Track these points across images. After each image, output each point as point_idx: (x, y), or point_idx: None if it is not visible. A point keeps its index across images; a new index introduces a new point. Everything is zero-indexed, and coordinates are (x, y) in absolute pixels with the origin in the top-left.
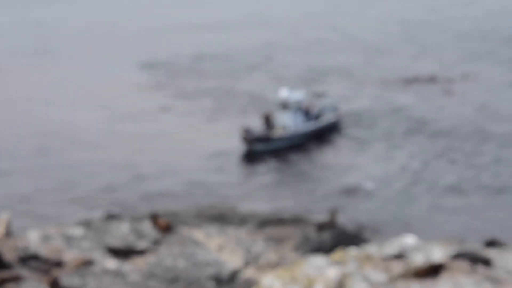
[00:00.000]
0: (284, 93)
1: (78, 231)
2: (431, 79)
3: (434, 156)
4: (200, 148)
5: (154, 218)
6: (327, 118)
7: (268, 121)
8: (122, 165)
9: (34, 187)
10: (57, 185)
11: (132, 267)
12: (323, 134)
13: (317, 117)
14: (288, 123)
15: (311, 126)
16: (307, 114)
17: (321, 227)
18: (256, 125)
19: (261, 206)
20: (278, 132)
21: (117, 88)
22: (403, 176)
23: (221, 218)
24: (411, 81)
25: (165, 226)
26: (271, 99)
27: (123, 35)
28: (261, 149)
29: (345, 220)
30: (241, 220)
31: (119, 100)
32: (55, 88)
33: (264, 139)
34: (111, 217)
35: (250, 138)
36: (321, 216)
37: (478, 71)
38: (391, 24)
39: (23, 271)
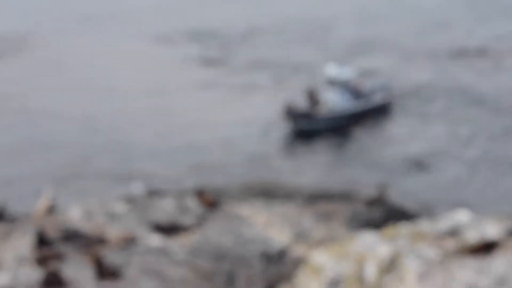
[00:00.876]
0: (332, 69)
1: (121, 207)
2: (482, 52)
3: (494, 132)
4: (247, 121)
5: (200, 193)
6: (377, 98)
7: (312, 98)
8: (166, 140)
9: (80, 162)
10: (102, 160)
11: (177, 244)
12: (371, 116)
13: (366, 97)
14: (335, 102)
15: (359, 105)
16: (356, 93)
17: (371, 202)
18: (301, 101)
19: (309, 181)
20: (323, 110)
21: (165, 58)
22: (461, 152)
23: (268, 193)
24: (462, 54)
25: (211, 202)
26: (320, 74)
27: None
28: (305, 127)
29: (397, 195)
30: (288, 196)
31: (166, 72)
32: (102, 58)
33: (308, 116)
34: (154, 192)
35: (293, 115)
36: (371, 191)
37: None
38: None
39: (65, 249)
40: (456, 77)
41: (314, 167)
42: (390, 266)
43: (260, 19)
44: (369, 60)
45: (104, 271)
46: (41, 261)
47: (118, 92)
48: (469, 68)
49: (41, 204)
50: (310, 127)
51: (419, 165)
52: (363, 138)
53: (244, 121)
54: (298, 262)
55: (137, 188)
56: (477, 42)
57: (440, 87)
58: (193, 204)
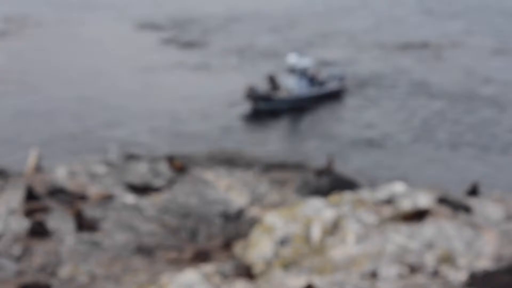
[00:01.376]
0: (292, 58)
1: (101, 169)
2: (424, 45)
3: (429, 115)
4: (216, 99)
5: (170, 159)
6: (332, 86)
7: (272, 82)
8: (146, 112)
9: (70, 127)
10: (89, 126)
11: (149, 203)
12: (325, 100)
13: (322, 84)
14: (293, 87)
15: (314, 91)
16: (313, 80)
17: (320, 172)
18: (263, 85)
19: (266, 152)
20: (282, 94)
21: (149, 41)
22: (402, 131)
23: (230, 161)
24: (406, 47)
25: (180, 167)
26: (282, 61)
27: None
28: (264, 107)
29: (343, 167)
30: (247, 164)
31: (149, 54)
32: (94, 40)
33: (267, 98)
34: (130, 156)
35: (253, 96)
36: (321, 163)
37: (467, 40)
38: None
39: (51, 203)
40: (402, 67)
41: (272, 140)
42: (333, 228)
43: (236, 9)
44: (327, 50)
45: (84, 224)
46: (29, 213)
47: (107, 71)
48: (414, 58)
49: (29, 163)
50: (269, 108)
51: (365, 142)
52: (317, 118)
53: (214, 98)
54: (253, 222)
55: (112, 151)
56: (422, 36)
57: (388, 76)
58: (164, 168)
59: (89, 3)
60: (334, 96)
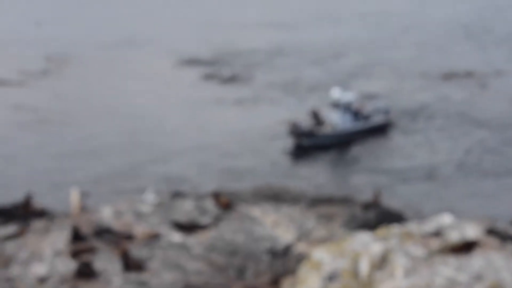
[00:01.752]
0: (335, 93)
1: (147, 208)
2: (468, 74)
3: (475, 144)
4: (261, 134)
5: (216, 196)
6: (377, 120)
7: (316, 117)
8: (192, 148)
9: (115, 166)
10: (132, 164)
11: (196, 241)
12: (371, 134)
13: (366, 118)
14: (337, 122)
15: (359, 126)
16: (357, 115)
17: (367, 206)
18: (306, 120)
19: (312, 187)
20: (325, 129)
21: (193, 76)
22: (447, 162)
23: (276, 197)
24: (450, 76)
25: (226, 204)
26: (326, 94)
27: (203, 31)
28: (307, 143)
29: (389, 200)
30: (294, 199)
31: (193, 88)
32: (138, 77)
33: (310, 134)
34: (177, 195)
35: (296, 133)
36: (367, 197)
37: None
38: (448, 24)
39: (97, 243)
40: (446, 96)
41: (317, 175)
42: (381, 262)
43: (280, 43)
44: (371, 82)
45: (130, 264)
46: (75, 254)
47: (152, 107)
48: (458, 88)
49: (73, 203)
50: (313, 143)
51: (411, 175)
52: (362, 152)
53: (258, 132)
54: (301, 258)
55: (148, 198)
56: (465, 65)
57: (432, 106)
58: (210, 205)
59: (132, 40)
60: (380, 129)
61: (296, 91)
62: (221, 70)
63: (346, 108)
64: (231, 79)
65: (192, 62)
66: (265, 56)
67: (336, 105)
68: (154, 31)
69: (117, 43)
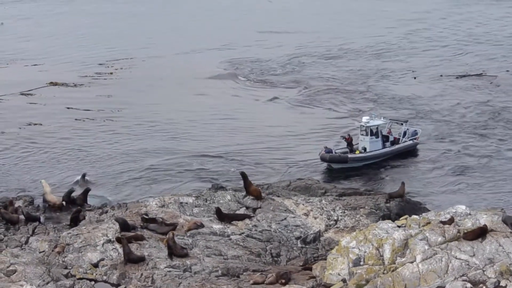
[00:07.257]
0: (364, 119)
1: (190, 200)
2: (492, 78)
3: (495, 143)
4: (305, 136)
5: (246, 187)
6: (406, 144)
7: (349, 143)
8: (235, 148)
9: (163, 164)
10: (179, 163)
11: (234, 229)
12: (400, 158)
13: (395, 143)
14: (366, 146)
15: (388, 150)
16: (386, 139)
17: (392, 196)
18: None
19: (341, 184)
20: (355, 154)
21: (237, 82)
22: (469, 161)
23: (308, 190)
24: (474, 80)
25: (257, 194)
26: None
27: (231, 37)
28: (337, 168)
29: (410, 193)
30: (323, 192)
31: (236, 93)
32: (184, 73)
33: (340, 160)
34: (217, 188)
35: (327, 159)
36: (391, 189)
37: None
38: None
39: (145, 232)
40: (471, 100)
41: (346, 177)
42: (403, 248)
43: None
44: (399, 109)
45: (175, 251)
46: (127, 241)
47: (201, 106)
48: (481, 91)
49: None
50: (343, 167)
51: (434, 173)
52: (390, 170)
53: (302, 135)
54: (330, 244)
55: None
56: (491, 69)
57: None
58: (247, 197)
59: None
60: (408, 152)
61: (352, 98)
62: (279, 73)
63: (375, 132)
64: (292, 82)
65: (238, 67)
66: (315, 60)
67: (365, 130)
68: (220, 40)
69: (175, 51)
